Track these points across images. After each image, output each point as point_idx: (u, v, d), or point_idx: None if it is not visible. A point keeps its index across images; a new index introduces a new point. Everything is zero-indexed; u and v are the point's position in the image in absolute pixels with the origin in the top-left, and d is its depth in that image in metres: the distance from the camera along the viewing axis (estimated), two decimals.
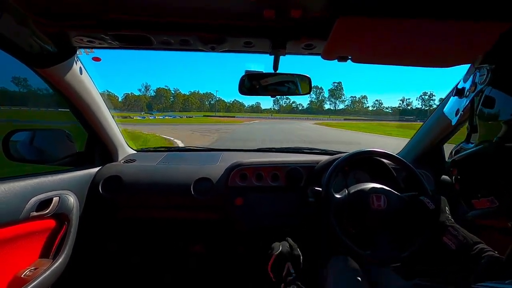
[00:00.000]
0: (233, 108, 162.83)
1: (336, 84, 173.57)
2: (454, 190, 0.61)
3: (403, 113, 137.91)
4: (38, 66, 0.94)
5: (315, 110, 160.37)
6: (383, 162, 1.23)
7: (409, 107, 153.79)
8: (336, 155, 1.31)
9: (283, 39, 0.84)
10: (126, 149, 1.56)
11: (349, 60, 0.87)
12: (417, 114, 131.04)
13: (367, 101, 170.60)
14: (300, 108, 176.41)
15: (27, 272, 0.94)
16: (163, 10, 0.75)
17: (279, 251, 0.92)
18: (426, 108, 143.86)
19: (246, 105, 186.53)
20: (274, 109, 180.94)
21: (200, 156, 1.59)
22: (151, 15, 0.77)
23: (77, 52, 1.01)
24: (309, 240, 1.27)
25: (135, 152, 1.64)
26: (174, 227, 1.49)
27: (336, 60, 0.88)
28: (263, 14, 0.73)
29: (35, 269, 0.96)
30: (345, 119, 78.42)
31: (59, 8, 0.74)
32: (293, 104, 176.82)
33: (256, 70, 0.97)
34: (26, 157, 1.09)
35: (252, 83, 0.98)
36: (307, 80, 1.01)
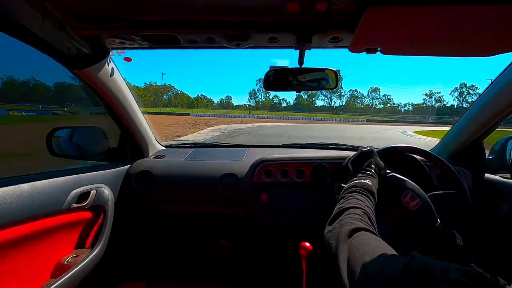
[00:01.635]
0: (198, 104, 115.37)
1: None
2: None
3: (442, 113, 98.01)
4: (75, 67, 1.00)
5: (305, 107, 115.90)
6: (415, 158, 1.17)
7: (438, 104, 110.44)
8: None
9: (308, 33, 0.82)
10: (155, 145, 1.62)
11: (379, 52, 0.84)
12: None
13: (379, 94, 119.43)
14: (284, 105, 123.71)
15: (69, 259, 1.01)
16: (189, 9, 0.76)
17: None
18: (467, 106, 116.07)
19: (216, 101, 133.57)
20: (249, 105, 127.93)
21: (225, 152, 1.62)
22: (178, 14, 0.79)
23: (110, 53, 1.06)
24: None
25: (164, 148, 1.70)
26: (201, 221, 1.53)
27: (365, 52, 0.84)
28: (287, 8, 0.72)
29: (75, 256, 1.04)
30: (366, 120, 56.61)
31: (93, 12, 0.79)
32: (274, 99, 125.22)
33: (281, 65, 0.96)
34: (66, 153, 1.17)
35: (278, 79, 0.97)
36: (334, 73, 0.99)
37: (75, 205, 1.01)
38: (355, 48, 0.81)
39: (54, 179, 0.96)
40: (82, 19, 0.80)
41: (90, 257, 1.06)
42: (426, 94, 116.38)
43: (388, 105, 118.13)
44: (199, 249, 1.69)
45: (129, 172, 1.39)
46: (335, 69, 0.98)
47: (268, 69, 0.97)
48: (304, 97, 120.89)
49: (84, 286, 1.05)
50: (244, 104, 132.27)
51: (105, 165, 1.31)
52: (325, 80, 0.98)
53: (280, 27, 0.82)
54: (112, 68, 1.12)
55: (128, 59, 1.10)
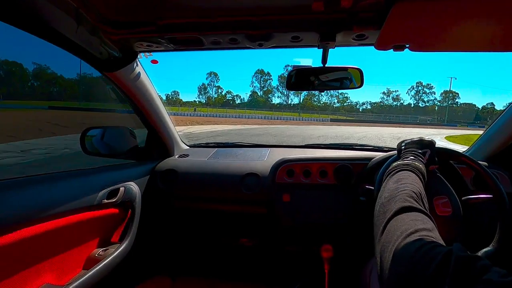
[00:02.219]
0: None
1: (290, 67, 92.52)
2: None
3: (419, 112, 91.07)
4: (106, 70, 1.05)
5: (261, 104, 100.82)
6: (447, 160, 1.11)
7: (396, 103, 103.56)
8: (392, 151, 1.22)
9: (332, 31, 0.80)
10: (180, 145, 1.67)
11: (407, 49, 0.80)
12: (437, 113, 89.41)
13: (337, 91, 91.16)
14: (238, 102, 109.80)
15: (100, 252, 1.07)
16: (213, 11, 0.78)
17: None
18: (423, 105, 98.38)
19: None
20: (199, 101, 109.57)
21: (248, 152, 1.63)
22: (202, 17, 0.81)
23: (138, 56, 1.11)
24: (354, 238, 1.23)
25: (188, 147, 1.74)
26: (223, 219, 1.55)
27: (392, 50, 0.81)
28: (311, 6, 0.71)
29: (105, 249, 1.09)
30: (331, 120, 50.00)
31: (123, 18, 0.83)
32: (227, 96, 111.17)
33: (304, 65, 0.95)
34: (98, 151, 1.23)
35: (300, 79, 0.96)
36: (359, 72, 0.96)
37: (105, 201, 1.07)
38: (381, 45, 0.79)
39: (87, 175, 1.03)
40: (113, 25, 0.84)
41: (119, 251, 1.11)
42: (383, 93, 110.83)
43: (346, 103, 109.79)
44: (221, 247, 1.72)
45: (155, 170, 1.44)
46: (359, 68, 0.96)
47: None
48: (259, 94, 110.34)
49: (112, 279, 1.10)
50: (194, 101, 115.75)
51: (133, 163, 1.38)
52: (349, 79, 0.96)
53: (303, 26, 0.81)
54: (140, 71, 1.17)
55: (154, 62, 1.14)
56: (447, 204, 0.86)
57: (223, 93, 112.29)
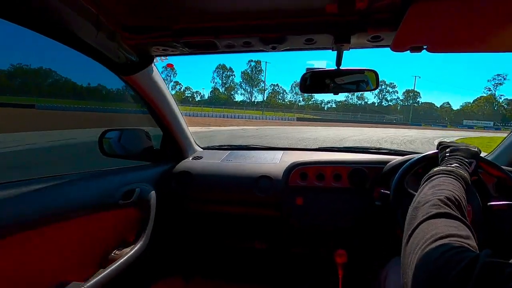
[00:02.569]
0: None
1: (254, 62, 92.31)
2: None
3: (383, 111, 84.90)
4: (123, 74, 1.08)
5: (223, 101, 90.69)
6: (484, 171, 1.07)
7: (360, 102, 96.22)
8: (409, 155, 1.18)
9: (347, 33, 0.80)
10: (194, 147, 1.69)
11: (424, 50, 0.78)
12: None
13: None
14: (198, 99, 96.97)
15: (116, 251, 1.10)
16: (227, 15, 0.79)
17: None
18: (386, 104, 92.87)
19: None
20: None
21: (261, 154, 1.63)
22: (216, 21, 0.82)
23: (154, 60, 1.14)
24: (368, 244, 1.21)
25: (202, 149, 1.76)
26: (236, 222, 1.55)
27: (408, 51, 0.79)
28: (325, 8, 0.71)
29: (121, 249, 1.12)
30: (297, 119, 43.91)
31: (141, 23, 0.85)
32: (187, 92, 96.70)
33: (318, 67, 0.94)
34: (115, 153, 1.27)
35: (315, 81, 0.95)
36: (374, 74, 0.94)
37: (122, 201, 1.09)
38: (397, 47, 0.77)
39: (105, 177, 1.06)
40: (130, 30, 0.87)
41: (134, 250, 1.14)
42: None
43: (311, 101, 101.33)
44: (233, 249, 1.72)
45: (170, 172, 1.46)
46: (375, 70, 0.94)
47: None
48: (221, 91, 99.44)
49: (128, 278, 1.13)
50: None
51: (148, 165, 1.40)
52: (365, 82, 0.94)
53: (317, 28, 0.80)
54: (156, 74, 1.20)
55: (170, 66, 1.16)
56: (469, 213, 0.83)
57: (182, 89, 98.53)
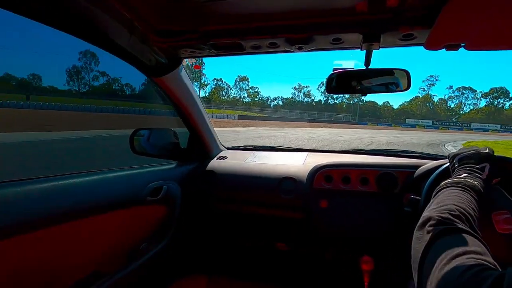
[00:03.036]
0: None
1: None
2: None
3: (329, 109, 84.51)
4: (154, 75, 1.13)
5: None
6: (508, 170, 0.98)
7: (307, 99, 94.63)
8: (443, 160, 1.11)
9: (377, 31, 0.76)
10: (219, 147, 1.72)
11: (462, 48, 0.73)
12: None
13: (248, 84, 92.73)
14: (128, 92, 73.58)
15: (144, 245, 1.15)
16: (253, 16, 0.79)
17: None
18: (332, 102, 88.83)
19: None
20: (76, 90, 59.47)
21: (285, 155, 1.62)
22: (242, 22, 0.82)
23: (182, 62, 1.17)
24: (397, 250, 1.16)
25: (226, 149, 1.79)
26: (259, 222, 1.56)
27: (444, 49, 0.75)
28: (355, 7, 0.68)
29: (149, 244, 1.17)
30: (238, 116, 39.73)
31: (170, 27, 0.88)
32: (114, 85, 69.80)
33: (345, 67, 0.92)
34: (145, 151, 1.32)
35: (342, 82, 0.93)
36: (406, 74, 0.89)
37: (149, 198, 1.14)
38: (432, 45, 0.73)
39: (133, 173, 1.11)
40: (161, 34, 0.90)
41: (160, 246, 1.18)
42: (295, 88, 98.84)
43: (257, 98, 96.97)
44: (256, 249, 1.73)
45: (195, 171, 1.50)
46: (406, 69, 0.89)
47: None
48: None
49: (153, 272, 1.17)
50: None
51: (175, 163, 1.45)
52: (394, 84, 0.89)
53: (346, 27, 0.78)
54: (184, 75, 1.23)
55: (197, 67, 1.20)
56: (509, 220, 0.76)
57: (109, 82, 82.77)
